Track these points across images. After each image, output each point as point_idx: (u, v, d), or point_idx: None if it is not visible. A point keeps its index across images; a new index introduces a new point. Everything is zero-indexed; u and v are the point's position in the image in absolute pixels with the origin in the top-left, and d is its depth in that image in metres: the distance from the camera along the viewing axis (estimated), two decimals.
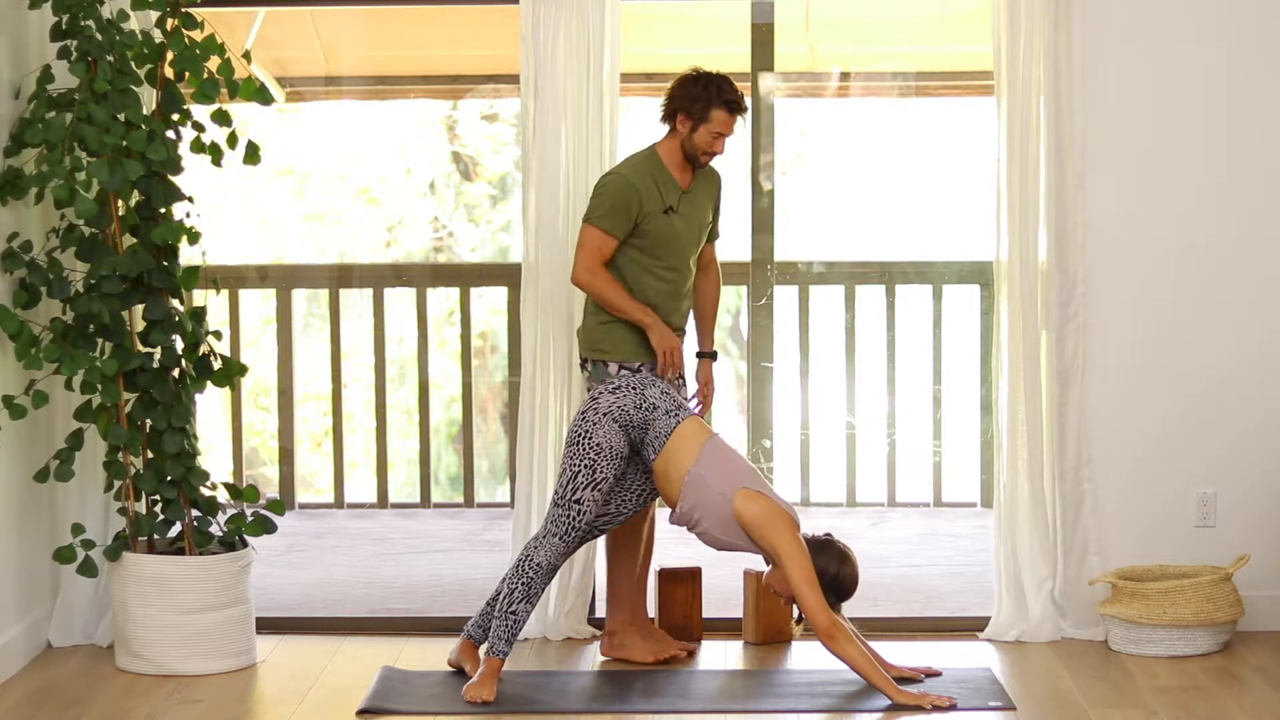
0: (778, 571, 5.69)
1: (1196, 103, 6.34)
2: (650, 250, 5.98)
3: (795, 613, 5.91)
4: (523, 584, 5.70)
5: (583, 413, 5.74)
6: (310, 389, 8.46)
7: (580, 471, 5.69)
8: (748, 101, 6.00)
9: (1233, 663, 6.07)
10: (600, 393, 5.76)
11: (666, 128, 6.02)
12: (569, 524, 5.71)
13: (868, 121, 8.48)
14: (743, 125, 5.99)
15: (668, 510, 5.85)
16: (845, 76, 8.20)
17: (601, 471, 5.69)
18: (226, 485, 6.16)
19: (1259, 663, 6.06)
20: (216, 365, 6.17)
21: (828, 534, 5.78)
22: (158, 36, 6.08)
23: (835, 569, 5.68)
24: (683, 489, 5.71)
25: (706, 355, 6.24)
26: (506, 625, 5.71)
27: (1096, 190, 6.32)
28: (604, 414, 5.71)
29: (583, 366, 6.11)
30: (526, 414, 6.37)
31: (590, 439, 5.69)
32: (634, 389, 5.76)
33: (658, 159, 6.01)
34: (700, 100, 5.91)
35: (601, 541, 6.25)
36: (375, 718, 5.59)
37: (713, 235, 6.20)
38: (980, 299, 7.78)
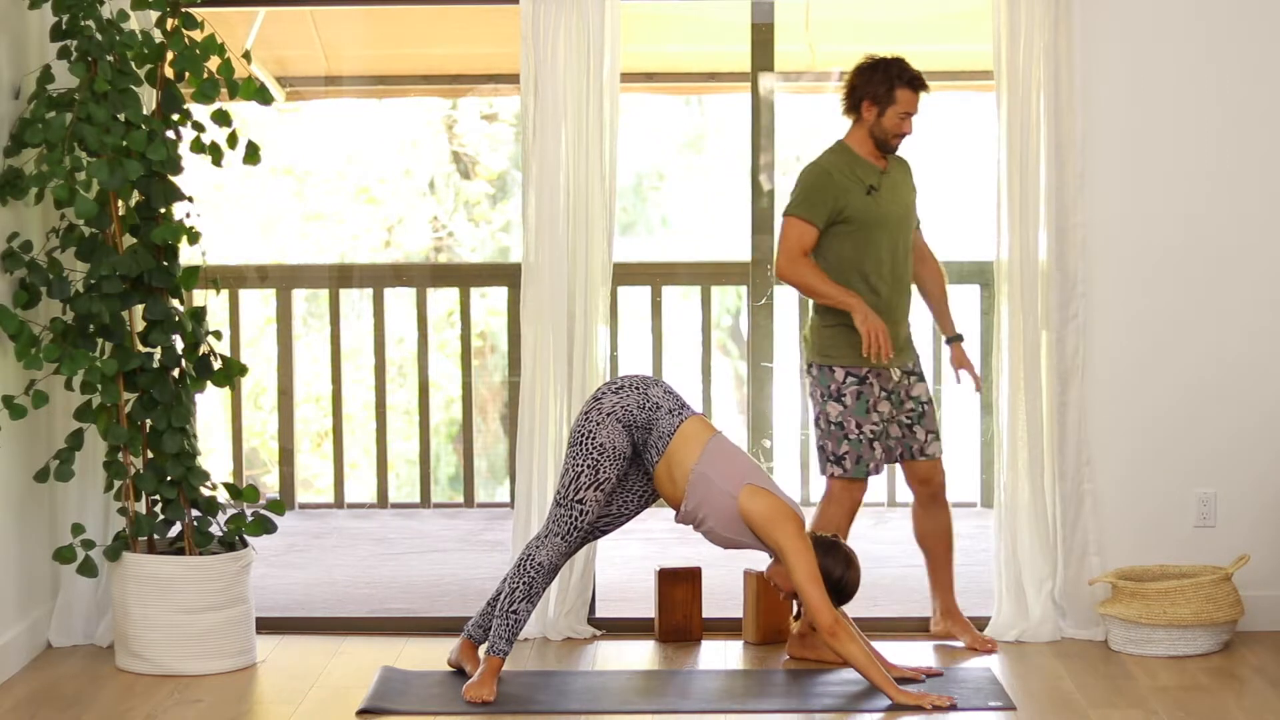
0: (781, 567, 5.69)
1: (1197, 102, 6.34)
2: (861, 232, 6.04)
3: (794, 609, 5.92)
4: (524, 584, 5.70)
5: (586, 413, 5.73)
6: (310, 389, 8.46)
7: (583, 471, 5.69)
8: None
9: (1233, 663, 6.07)
10: (603, 392, 5.76)
11: (850, 120, 6.11)
12: (571, 524, 5.71)
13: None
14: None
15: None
16: (843, 76, 8.19)
17: (604, 471, 5.69)
18: (226, 485, 6.16)
19: (1259, 663, 6.06)
20: (216, 365, 6.17)
21: (835, 536, 5.78)
22: (158, 36, 6.08)
23: (840, 572, 5.68)
24: (687, 487, 5.71)
25: (955, 339, 6.30)
26: (507, 625, 5.70)
27: (1096, 190, 6.32)
28: (608, 414, 5.71)
29: (808, 371, 6.16)
30: (526, 414, 6.37)
31: (594, 439, 5.69)
32: (637, 388, 5.76)
33: (849, 148, 6.10)
34: (883, 84, 6.01)
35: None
36: (375, 718, 5.58)
37: (916, 220, 6.23)
38: (980, 299, 7.78)
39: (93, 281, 5.95)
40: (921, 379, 6.20)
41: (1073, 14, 6.23)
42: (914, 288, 6.26)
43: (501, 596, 5.79)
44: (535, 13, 6.26)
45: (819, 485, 8.06)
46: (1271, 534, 6.40)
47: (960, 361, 6.33)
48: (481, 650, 5.90)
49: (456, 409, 8.41)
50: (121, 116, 5.93)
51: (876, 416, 6.12)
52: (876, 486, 8.02)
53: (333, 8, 7.76)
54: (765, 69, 6.85)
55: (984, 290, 7.71)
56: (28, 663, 6.13)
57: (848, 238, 6.05)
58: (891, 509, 8.07)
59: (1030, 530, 6.33)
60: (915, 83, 6.02)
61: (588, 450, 5.69)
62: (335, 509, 8.30)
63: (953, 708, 5.59)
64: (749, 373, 7.51)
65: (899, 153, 6.18)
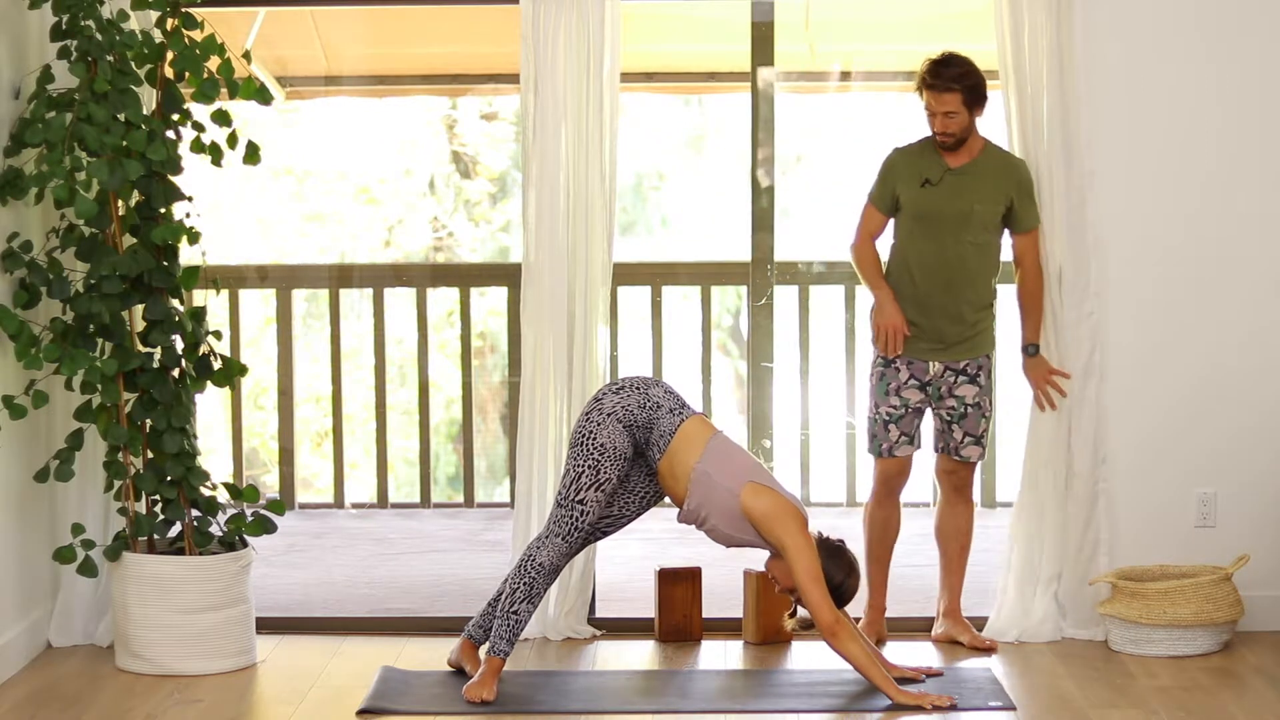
0: (782, 563, 5.68)
1: (1204, 101, 6.33)
2: (912, 222, 6.16)
3: (792, 606, 5.91)
4: (525, 584, 5.70)
5: (587, 413, 5.73)
6: (310, 389, 8.46)
7: (584, 472, 5.69)
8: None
9: (1233, 663, 6.07)
10: (604, 393, 5.76)
11: None
12: (572, 524, 5.70)
13: (868, 120, 8.48)
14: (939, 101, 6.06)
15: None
16: (846, 76, 8.20)
17: (605, 472, 5.69)
18: (226, 485, 6.16)
19: (1259, 663, 6.06)
20: (216, 365, 6.16)
21: (840, 541, 5.76)
22: (158, 36, 6.07)
23: (840, 578, 5.67)
24: (689, 485, 5.71)
25: (1024, 350, 6.28)
26: (508, 625, 5.70)
27: (1107, 188, 6.31)
28: (608, 414, 5.71)
29: None
30: (526, 414, 6.37)
31: (594, 439, 5.69)
32: (637, 389, 5.76)
33: (928, 140, 6.19)
34: (917, 84, 6.14)
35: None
36: (375, 718, 5.58)
37: (1020, 226, 6.20)
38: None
39: (93, 281, 5.94)
40: (973, 382, 6.19)
41: (1074, 14, 6.23)
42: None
43: (502, 597, 5.79)
44: (535, 13, 6.26)
45: (819, 485, 8.12)
46: (1271, 534, 6.40)
47: (1030, 373, 6.27)
48: (482, 651, 5.90)
49: (456, 409, 8.40)
50: (121, 116, 5.93)
51: (897, 400, 6.18)
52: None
53: (333, 8, 7.76)
54: (765, 63, 6.86)
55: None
56: (28, 663, 6.13)
57: (903, 224, 6.20)
58: None
59: (1035, 530, 6.32)
60: (930, 84, 6.06)
61: (588, 450, 5.69)
62: (335, 509, 8.30)
63: (953, 708, 5.59)
64: (749, 373, 7.51)
65: (1018, 154, 6.23)
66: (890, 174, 6.18)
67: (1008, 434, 6.65)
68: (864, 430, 6.34)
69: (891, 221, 6.22)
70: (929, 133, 6.17)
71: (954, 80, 6.02)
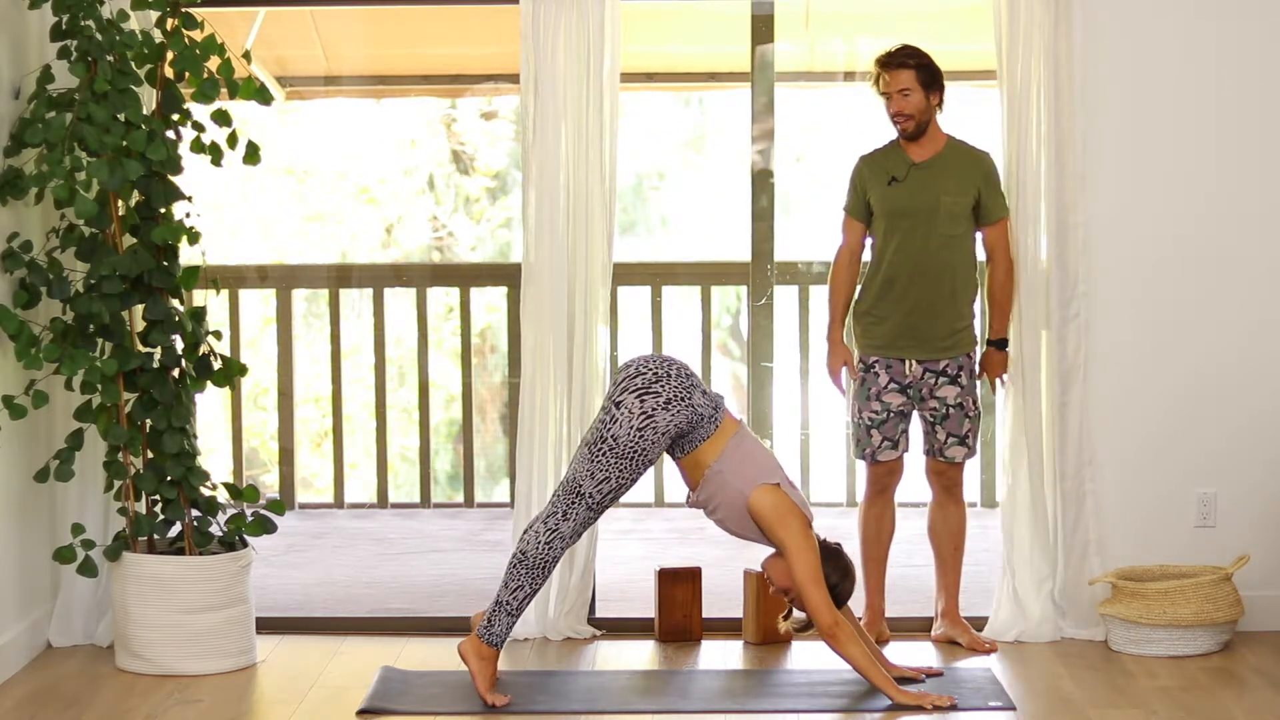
0: (781, 563, 5.68)
1: (1197, 102, 6.34)
2: (884, 222, 6.20)
3: (786, 608, 5.90)
4: (543, 579, 5.68)
5: (640, 429, 5.62)
6: (310, 389, 8.46)
7: (626, 484, 5.67)
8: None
9: (1233, 663, 6.08)
10: (655, 408, 5.67)
11: None
12: (592, 523, 5.71)
13: (868, 118, 8.47)
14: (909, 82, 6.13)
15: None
16: (849, 76, 8.20)
17: (639, 480, 5.71)
18: (226, 485, 6.16)
19: (1259, 663, 6.06)
20: (216, 365, 6.16)
21: (838, 545, 5.77)
22: (158, 36, 6.08)
23: (836, 580, 5.68)
24: (703, 481, 5.70)
25: (991, 343, 6.31)
26: (512, 618, 5.68)
27: (1097, 189, 6.32)
28: (663, 433, 5.65)
29: None
30: (526, 414, 6.37)
31: (646, 457, 5.65)
32: (682, 400, 5.67)
33: (895, 142, 6.24)
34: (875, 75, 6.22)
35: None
36: (375, 718, 5.58)
37: (988, 217, 6.22)
38: (980, 298, 7.76)
39: (93, 281, 5.95)
40: (954, 382, 6.20)
41: (1073, 13, 6.23)
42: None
43: (522, 598, 5.71)
44: (535, 12, 6.26)
45: (819, 485, 8.11)
46: (1271, 534, 6.40)
47: (986, 365, 6.30)
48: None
49: (456, 408, 8.40)
50: (121, 116, 5.93)
51: (879, 405, 6.19)
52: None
53: (333, 8, 7.76)
54: (764, 42, 6.86)
55: (982, 290, 7.69)
56: (28, 663, 6.13)
57: (877, 226, 6.22)
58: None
59: (1030, 530, 6.33)
60: (884, 64, 6.12)
61: (638, 467, 5.65)
62: (335, 509, 8.30)
63: (953, 708, 5.59)
64: (749, 373, 7.51)
65: (981, 146, 6.25)
66: (859, 180, 6.23)
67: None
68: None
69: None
70: (893, 135, 6.21)
71: (906, 58, 6.11)
